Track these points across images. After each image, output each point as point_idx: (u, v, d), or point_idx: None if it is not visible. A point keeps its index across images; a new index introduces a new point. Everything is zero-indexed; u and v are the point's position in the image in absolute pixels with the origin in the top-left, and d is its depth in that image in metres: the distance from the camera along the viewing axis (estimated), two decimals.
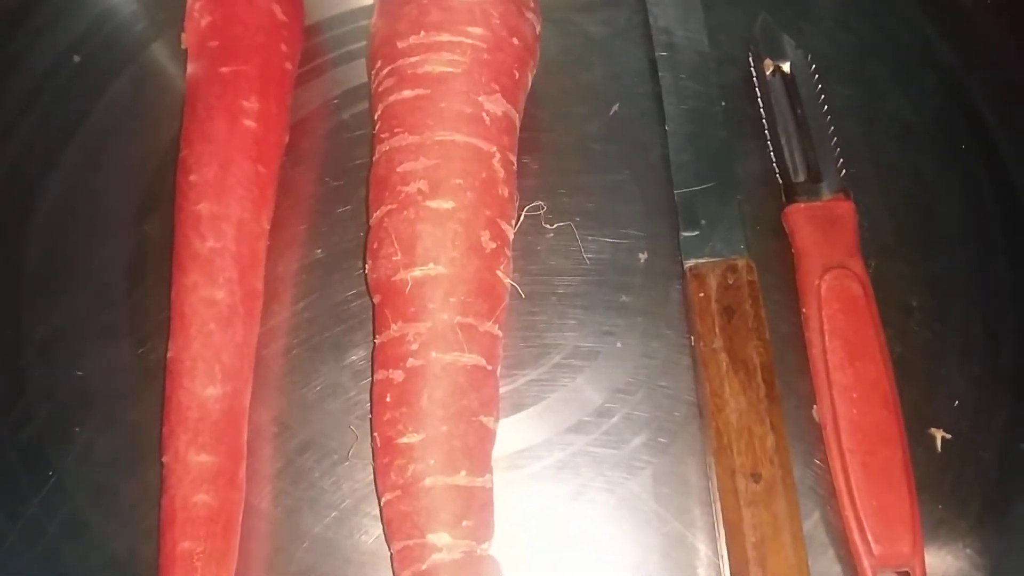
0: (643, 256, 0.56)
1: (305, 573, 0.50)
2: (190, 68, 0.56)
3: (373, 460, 0.48)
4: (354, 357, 0.54)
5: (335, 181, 0.59)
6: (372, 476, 0.50)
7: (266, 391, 0.53)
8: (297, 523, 0.51)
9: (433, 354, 0.47)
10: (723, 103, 0.59)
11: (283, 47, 0.57)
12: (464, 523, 0.45)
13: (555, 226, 0.56)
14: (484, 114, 0.51)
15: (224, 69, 0.54)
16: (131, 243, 0.57)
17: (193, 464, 0.48)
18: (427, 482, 0.45)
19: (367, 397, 0.52)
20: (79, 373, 0.54)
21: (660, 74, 0.59)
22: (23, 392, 0.54)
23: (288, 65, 0.58)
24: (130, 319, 0.55)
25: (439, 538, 0.45)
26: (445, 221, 0.49)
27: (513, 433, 0.52)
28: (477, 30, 0.52)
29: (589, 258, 0.56)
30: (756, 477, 0.47)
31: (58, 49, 0.64)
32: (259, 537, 0.50)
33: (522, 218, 0.53)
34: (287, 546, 0.50)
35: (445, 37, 0.52)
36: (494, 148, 0.51)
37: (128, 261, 0.57)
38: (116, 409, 0.53)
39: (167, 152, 0.59)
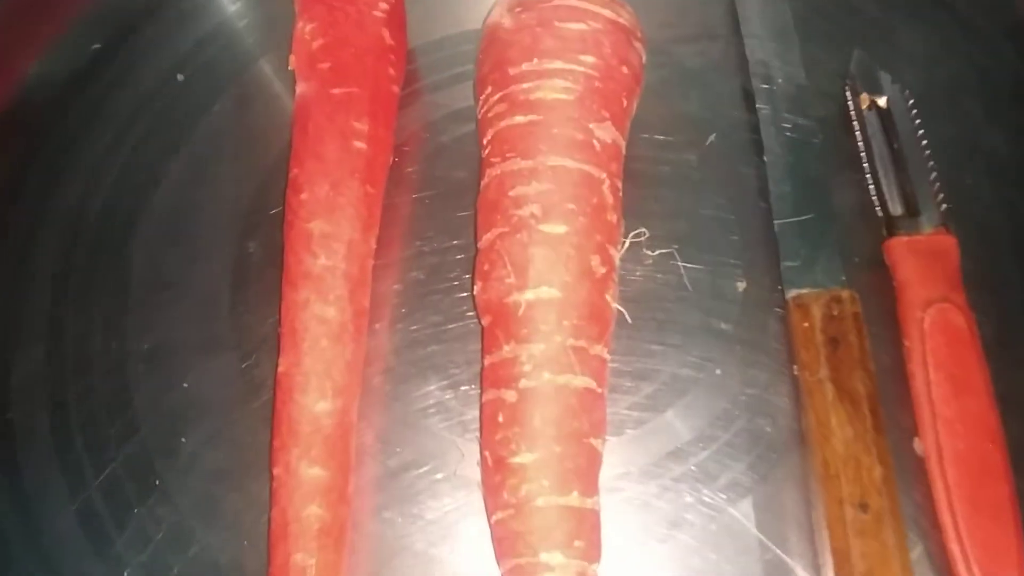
0: (741, 285, 0.56)
1: None
2: (299, 89, 0.57)
3: (482, 479, 0.49)
4: (454, 377, 0.55)
5: (434, 203, 0.60)
6: (474, 494, 0.51)
7: (369, 408, 0.54)
8: (401, 539, 0.51)
9: (546, 375, 0.48)
10: (820, 136, 0.59)
11: (391, 70, 0.58)
12: (576, 543, 0.46)
13: (656, 253, 0.57)
14: (595, 141, 0.52)
15: (335, 91, 0.56)
16: (233, 259, 0.59)
17: (305, 477, 0.48)
18: (540, 502, 0.46)
19: (469, 416, 0.53)
20: (184, 385, 0.55)
21: (758, 105, 0.60)
22: (129, 403, 0.55)
23: (395, 88, 0.59)
24: (234, 333, 0.56)
25: (552, 557, 0.45)
26: (558, 245, 0.50)
27: (613, 457, 0.52)
28: (589, 58, 0.53)
29: (688, 285, 0.56)
30: (864, 507, 0.47)
31: (163, 68, 0.65)
32: (364, 553, 0.51)
33: (627, 244, 0.54)
34: (390, 561, 0.51)
35: (558, 65, 0.53)
36: (604, 175, 0.52)
37: (231, 277, 0.58)
38: (221, 421, 0.54)
39: (270, 170, 0.60)
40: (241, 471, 0.53)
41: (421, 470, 0.53)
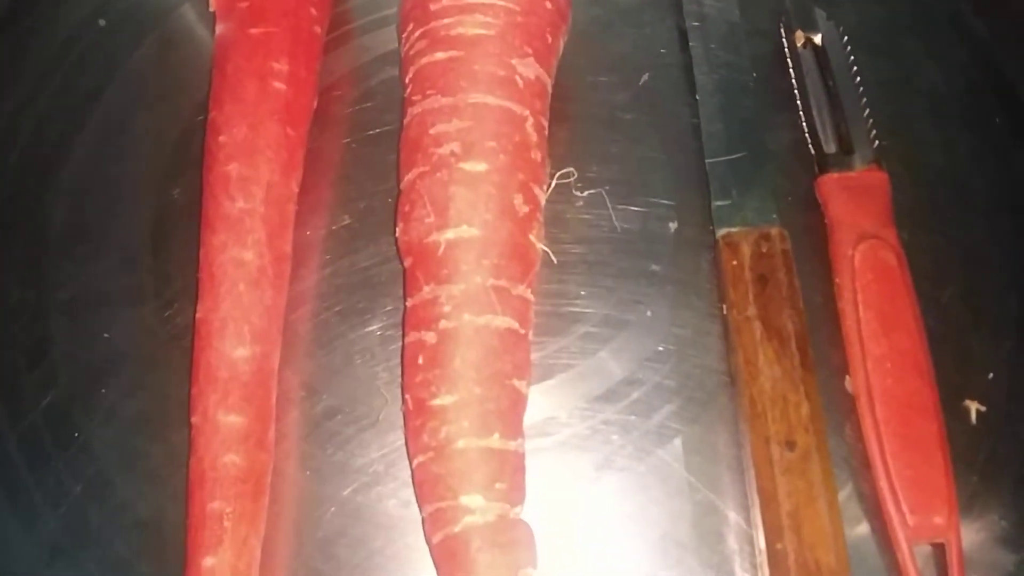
0: (673, 225, 0.56)
1: (333, 537, 0.49)
2: (219, 29, 0.56)
3: (404, 423, 0.48)
4: (382, 322, 0.54)
5: (362, 148, 0.58)
6: (401, 440, 0.49)
7: (293, 355, 0.52)
8: (325, 487, 0.50)
9: (466, 316, 0.47)
10: (754, 74, 0.58)
11: (312, 11, 0.56)
12: (497, 486, 0.45)
13: (586, 194, 0.56)
14: (517, 77, 0.51)
15: (254, 31, 0.54)
16: (155, 207, 0.57)
17: (222, 424, 0.47)
18: (460, 444, 0.45)
19: (395, 362, 0.52)
20: (105, 335, 0.54)
21: (691, 44, 0.59)
22: (47, 354, 0.53)
23: (317, 29, 0.57)
24: (155, 282, 0.55)
25: (472, 500, 0.44)
26: (478, 183, 0.48)
27: (543, 400, 0.51)
28: None
29: (619, 226, 0.55)
30: (791, 445, 0.47)
31: (83, 13, 0.63)
32: (286, 501, 0.50)
33: (553, 184, 0.52)
34: (315, 510, 0.50)
35: None
36: (527, 112, 0.51)
37: (152, 225, 0.57)
38: (142, 372, 0.53)
39: (193, 116, 0.59)
40: (162, 422, 0.51)
41: (347, 417, 0.52)
